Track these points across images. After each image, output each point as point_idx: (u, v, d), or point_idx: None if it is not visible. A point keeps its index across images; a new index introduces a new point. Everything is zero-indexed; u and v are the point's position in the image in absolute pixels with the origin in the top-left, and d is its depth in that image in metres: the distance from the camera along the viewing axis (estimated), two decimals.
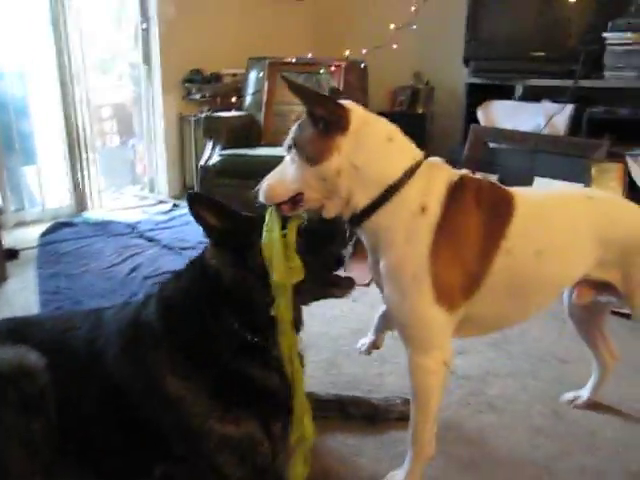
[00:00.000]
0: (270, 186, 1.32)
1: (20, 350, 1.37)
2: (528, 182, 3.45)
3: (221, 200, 1.37)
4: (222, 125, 3.74)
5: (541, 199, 1.40)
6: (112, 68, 5.34)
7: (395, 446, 1.61)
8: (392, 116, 4.56)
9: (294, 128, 1.33)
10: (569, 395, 1.86)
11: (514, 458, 1.58)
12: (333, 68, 4.10)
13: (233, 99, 4.41)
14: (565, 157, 3.34)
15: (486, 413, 1.79)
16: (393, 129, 1.40)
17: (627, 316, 2.05)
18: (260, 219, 1.32)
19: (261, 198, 1.33)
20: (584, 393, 1.84)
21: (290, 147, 1.32)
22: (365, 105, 4.15)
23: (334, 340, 2.24)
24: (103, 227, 3.76)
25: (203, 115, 3.85)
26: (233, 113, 4.07)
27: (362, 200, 1.28)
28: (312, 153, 1.26)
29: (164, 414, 1.35)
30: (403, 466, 1.43)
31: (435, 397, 1.33)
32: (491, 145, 3.72)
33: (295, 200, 1.30)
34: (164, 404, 1.34)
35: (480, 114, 3.86)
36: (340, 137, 1.25)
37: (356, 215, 1.30)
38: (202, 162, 3.61)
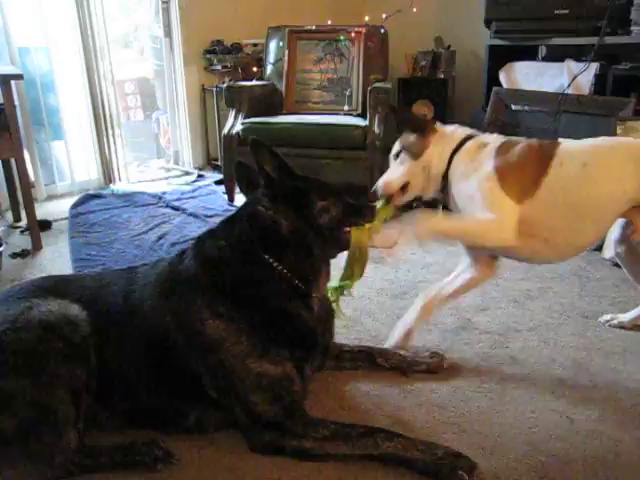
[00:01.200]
0: (386, 182, 1.83)
1: (63, 302, 1.45)
2: None
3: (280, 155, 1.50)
4: (244, 94, 3.76)
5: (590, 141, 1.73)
6: (134, 42, 5.40)
7: (417, 396, 1.67)
8: (413, 81, 4.57)
9: (398, 143, 1.87)
10: (607, 316, 2.09)
11: (535, 407, 1.62)
12: (353, 34, 4.08)
13: (254, 69, 4.44)
14: (590, 117, 3.30)
15: (508, 365, 1.83)
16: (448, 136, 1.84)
17: None
18: (315, 181, 1.56)
19: (380, 191, 1.83)
20: (623, 317, 2.05)
21: (398, 154, 1.86)
22: (385, 72, 4.14)
23: (357, 300, 2.29)
24: (130, 198, 3.84)
25: (225, 85, 3.86)
26: (255, 82, 4.10)
27: (441, 167, 1.78)
28: (416, 150, 1.80)
29: (203, 357, 1.43)
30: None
31: (475, 241, 1.76)
32: (514, 107, 3.69)
33: (403, 189, 1.81)
34: (203, 346, 1.42)
35: (502, 77, 3.82)
36: (428, 138, 1.80)
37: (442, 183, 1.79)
38: (225, 131, 3.65)
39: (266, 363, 1.42)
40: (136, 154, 5.03)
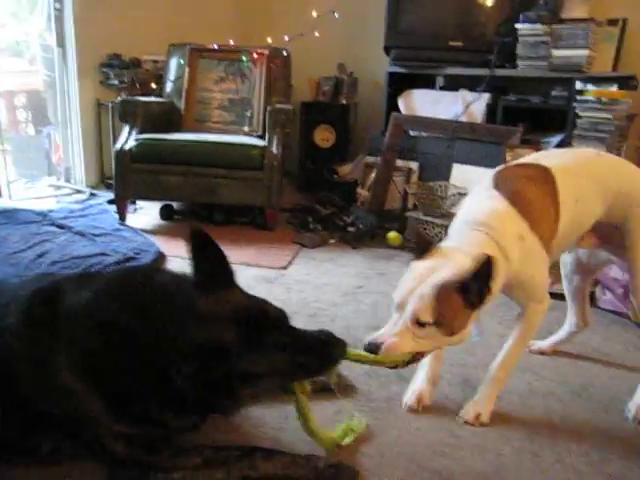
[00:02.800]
0: (395, 346, 1.33)
1: None
2: (447, 168, 3.53)
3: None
4: (139, 109, 3.62)
5: (565, 162, 1.67)
6: (25, 52, 5.09)
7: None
8: (316, 106, 4.60)
9: (430, 301, 1.30)
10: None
11: (420, 424, 1.58)
12: (255, 55, 4.06)
13: (153, 85, 4.30)
14: (482, 144, 3.44)
15: (395, 384, 1.79)
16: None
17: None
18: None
19: (382, 352, 1.34)
20: (542, 343, 2.08)
21: (423, 324, 1.32)
22: (288, 95, 4.12)
23: None
24: (10, 215, 3.54)
25: (119, 99, 3.69)
26: (152, 98, 3.96)
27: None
28: (458, 327, 1.34)
29: (55, 400, 1.25)
30: (476, 398, 1.62)
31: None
32: (411, 133, 3.78)
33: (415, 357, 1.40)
34: (55, 393, 1.24)
35: (401, 103, 3.91)
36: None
37: None
38: (118, 146, 3.47)
39: (122, 425, 1.25)
40: (25, 171, 4.70)
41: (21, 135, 5.15)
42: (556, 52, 3.28)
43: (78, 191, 4.38)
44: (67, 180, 4.58)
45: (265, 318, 1.29)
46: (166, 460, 1.29)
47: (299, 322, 2.06)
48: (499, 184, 1.56)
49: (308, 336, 1.33)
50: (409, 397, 1.67)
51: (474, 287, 1.30)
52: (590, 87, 3.11)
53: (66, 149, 4.56)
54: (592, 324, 2.08)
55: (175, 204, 3.83)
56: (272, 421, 1.56)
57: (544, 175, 1.59)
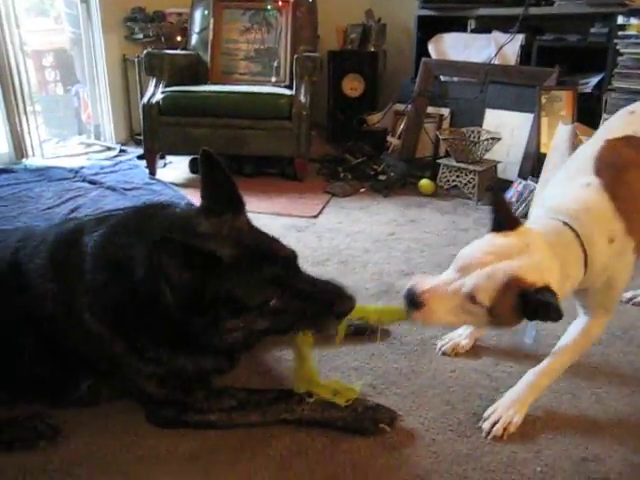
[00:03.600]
0: (435, 305, 1.17)
1: None
2: (480, 114, 3.43)
3: None
4: (165, 61, 3.57)
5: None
6: (50, 10, 5.06)
7: (332, 359, 1.58)
8: (344, 54, 4.49)
9: (494, 289, 1.13)
10: (628, 294, 1.98)
11: (455, 366, 1.57)
12: (280, 3, 3.95)
13: (179, 38, 4.24)
14: (515, 87, 3.31)
15: (429, 327, 1.77)
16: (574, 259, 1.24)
17: None
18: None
19: (421, 321, 1.21)
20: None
21: (474, 301, 1.15)
22: (315, 43, 4.01)
23: None
24: (44, 173, 3.59)
25: (145, 52, 3.65)
26: (177, 51, 3.91)
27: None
28: (504, 325, 1.23)
29: (84, 339, 1.27)
30: (505, 402, 1.37)
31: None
32: (442, 78, 3.66)
33: None
34: (82, 332, 1.26)
35: (431, 48, 3.78)
36: None
37: None
38: (145, 100, 3.45)
39: (148, 362, 1.27)
40: (56, 130, 4.73)
41: (50, 95, 5.16)
42: None
43: (108, 148, 4.39)
44: (97, 137, 4.60)
45: (266, 249, 1.20)
46: (201, 401, 1.31)
47: (330, 268, 2.08)
48: (601, 170, 1.29)
49: (315, 282, 1.22)
50: (445, 343, 1.65)
51: (533, 302, 1.11)
52: (634, 21, 2.93)
53: (94, 106, 4.56)
54: None
55: None
56: None
57: None
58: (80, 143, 4.56)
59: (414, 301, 1.17)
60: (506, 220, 1.21)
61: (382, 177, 3.33)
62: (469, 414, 1.37)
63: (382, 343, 1.66)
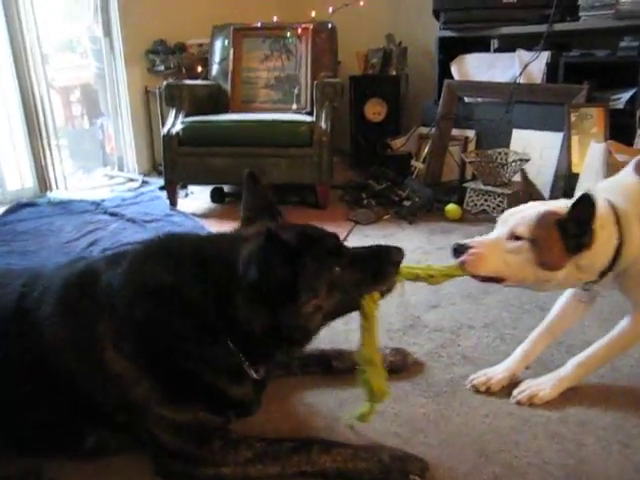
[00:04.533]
0: (481, 256, 1.30)
1: None
2: (506, 135, 3.32)
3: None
4: (184, 92, 3.56)
5: None
6: (76, 47, 5.13)
7: (354, 402, 1.46)
8: (365, 79, 4.44)
9: (531, 221, 1.28)
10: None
11: (489, 410, 1.44)
12: (300, 30, 3.92)
13: (199, 69, 4.25)
14: (542, 106, 3.20)
15: (459, 365, 1.65)
16: (606, 217, 1.29)
17: None
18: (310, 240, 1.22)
19: (468, 266, 1.31)
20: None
21: (518, 238, 1.28)
22: (335, 69, 3.95)
23: None
24: (66, 206, 3.58)
25: (164, 83, 3.64)
26: (197, 81, 3.91)
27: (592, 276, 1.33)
28: (549, 262, 1.27)
29: (101, 386, 1.20)
30: (540, 379, 1.47)
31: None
32: (466, 100, 3.58)
33: (495, 279, 1.33)
34: (102, 376, 1.19)
35: (454, 69, 3.70)
36: (581, 254, 1.26)
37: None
38: (164, 131, 3.43)
39: (170, 409, 1.20)
40: (81, 163, 4.77)
41: (77, 128, 5.22)
42: None
43: (131, 179, 4.40)
44: (120, 169, 4.61)
45: (314, 230, 1.27)
46: (215, 453, 1.21)
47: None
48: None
49: (364, 248, 1.31)
50: (477, 377, 1.53)
51: (572, 228, 1.24)
52: None
53: (118, 138, 4.58)
54: None
55: (226, 187, 3.77)
56: (327, 410, 1.45)
57: None
58: (104, 175, 4.57)
59: (463, 247, 1.31)
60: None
61: (407, 203, 3.23)
62: (505, 467, 1.24)
63: (408, 382, 1.55)
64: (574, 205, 1.23)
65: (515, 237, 1.27)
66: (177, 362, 1.19)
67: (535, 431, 1.35)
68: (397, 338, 1.82)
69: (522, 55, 3.40)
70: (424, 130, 3.75)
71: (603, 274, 1.32)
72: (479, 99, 3.53)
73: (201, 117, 3.44)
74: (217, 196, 3.66)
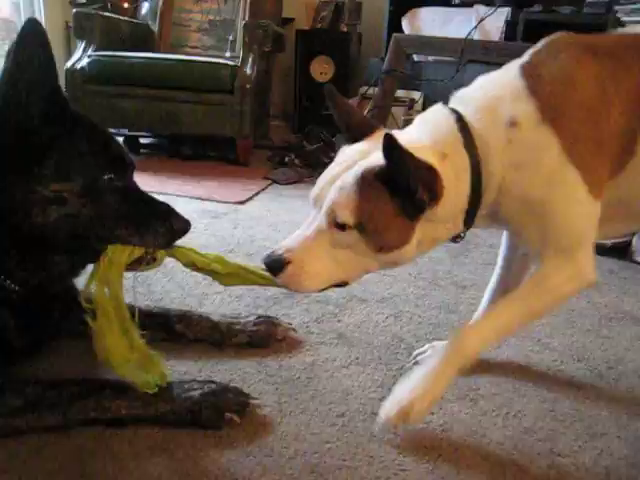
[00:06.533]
0: (309, 270, 0.90)
1: None
2: None
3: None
4: (97, 22, 3.10)
5: None
6: None
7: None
8: (313, 34, 4.00)
9: (350, 196, 0.86)
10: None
11: (346, 409, 1.07)
12: None
13: (125, 5, 3.77)
14: (498, 67, 2.83)
15: (329, 346, 1.27)
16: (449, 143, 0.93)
17: None
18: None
19: (292, 288, 0.92)
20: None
21: (343, 226, 0.87)
22: (278, 18, 3.50)
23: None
24: None
25: (74, 11, 3.17)
26: (117, 16, 3.44)
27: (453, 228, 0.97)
28: (391, 243, 0.89)
29: None
30: (410, 384, 0.97)
31: (553, 307, 1.03)
32: (416, 58, 3.20)
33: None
34: None
35: (405, 24, 3.33)
36: (427, 212, 0.89)
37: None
38: (68, 64, 2.98)
39: None
40: None
41: None
42: None
43: None
44: None
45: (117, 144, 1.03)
46: None
47: (238, 258, 1.58)
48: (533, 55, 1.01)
49: (151, 196, 1.03)
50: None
51: (398, 175, 0.83)
52: None
53: None
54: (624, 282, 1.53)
55: (142, 139, 3.34)
56: None
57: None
58: None
59: (276, 262, 0.90)
60: (359, 127, 0.96)
61: None
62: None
63: (253, 362, 1.16)
64: (384, 152, 0.81)
65: (337, 225, 0.87)
66: None
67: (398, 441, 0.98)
68: (272, 309, 1.43)
69: (480, 10, 3.04)
70: (367, 90, 3.36)
71: (469, 221, 0.95)
72: (429, 57, 3.16)
73: (110, 52, 2.99)
74: (130, 146, 3.23)
